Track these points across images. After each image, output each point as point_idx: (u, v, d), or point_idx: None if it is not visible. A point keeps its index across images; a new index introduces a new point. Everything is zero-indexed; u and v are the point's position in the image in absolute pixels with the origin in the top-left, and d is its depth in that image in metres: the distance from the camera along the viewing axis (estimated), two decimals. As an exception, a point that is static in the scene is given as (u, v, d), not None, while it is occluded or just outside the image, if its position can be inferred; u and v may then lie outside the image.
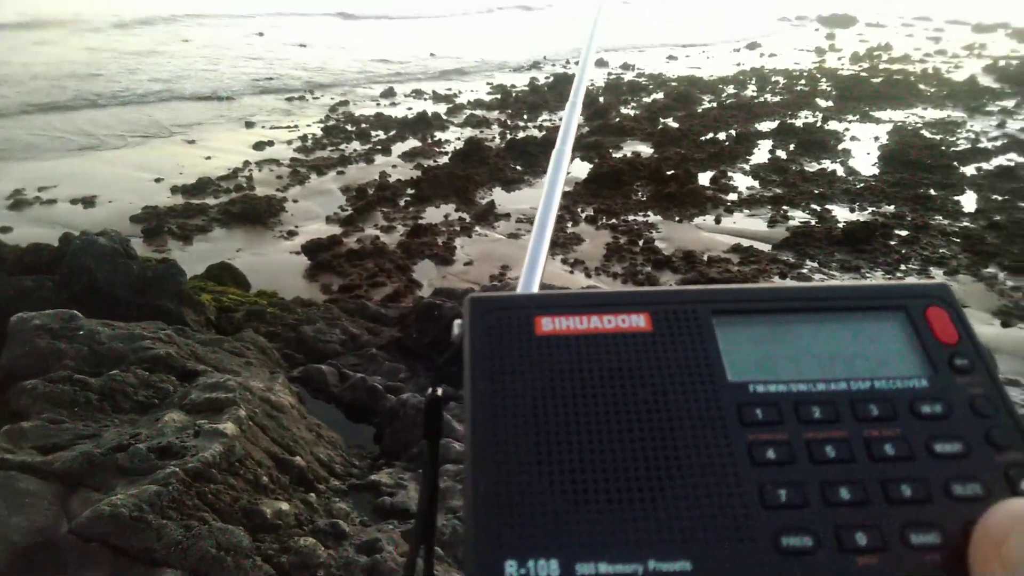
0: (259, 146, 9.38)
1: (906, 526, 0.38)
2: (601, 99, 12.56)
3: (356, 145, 9.54)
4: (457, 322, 0.46)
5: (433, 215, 7.34)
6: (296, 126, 10.52)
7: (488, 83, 14.66)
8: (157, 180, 7.91)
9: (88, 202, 7.27)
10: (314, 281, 5.92)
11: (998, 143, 10.72)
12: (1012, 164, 9.60)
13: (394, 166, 8.76)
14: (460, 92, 13.59)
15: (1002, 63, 18.61)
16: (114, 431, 2.77)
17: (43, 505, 2.19)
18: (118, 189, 7.62)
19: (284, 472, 2.85)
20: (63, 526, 2.12)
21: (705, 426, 0.41)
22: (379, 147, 9.44)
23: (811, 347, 0.44)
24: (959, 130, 11.55)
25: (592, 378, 0.42)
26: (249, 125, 10.63)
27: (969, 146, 10.47)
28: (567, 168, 0.73)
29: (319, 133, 10.04)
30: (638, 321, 0.44)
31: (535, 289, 0.58)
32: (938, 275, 6.46)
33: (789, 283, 0.52)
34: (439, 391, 0.50)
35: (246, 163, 8.54)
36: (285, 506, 2.60)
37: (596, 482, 0.39)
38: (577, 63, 0.89)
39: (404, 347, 4.42)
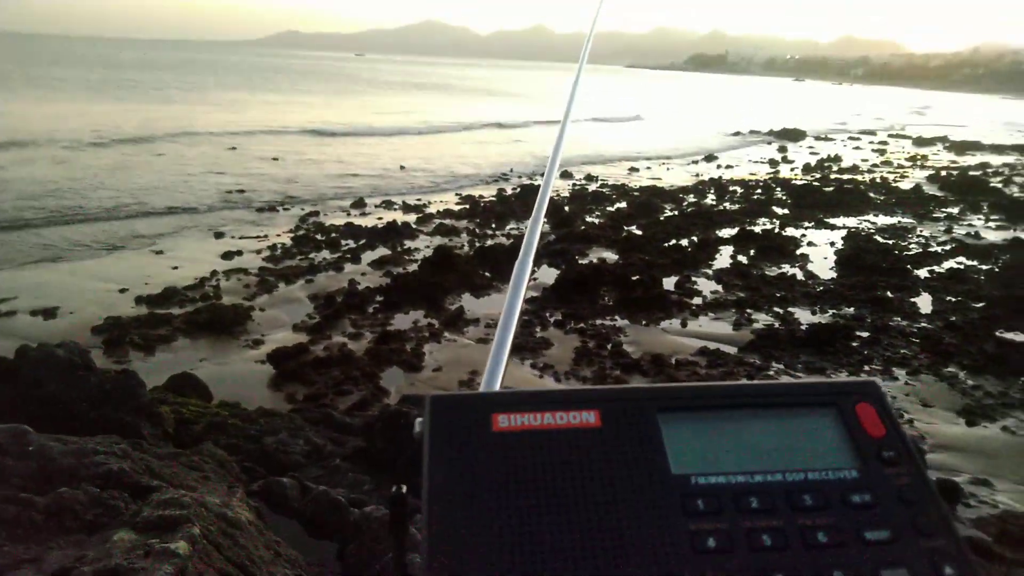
0: (228, 256, 9.42)
1: None
2: (567, 208, 12.99)
3: (326, 254, 9.64)
4: (419, 420, 0.48)
5: (402, 321, 7.34)
6: (266, 236, 10.64)
7: (457, 194, 15.12)
8: (122, 291, 7.84)
9: (49, 313, 7.15)
10: (279, 390, 5.80)
11: (947, 247, 11.25)
12: (962, 267, 10.04)
13: (363, 274, 8.83)
14: (430, 202, 13.97)
15: (943, 173, 19.83)
16: (58, 553, 2.63)
17: None
18: (81, 300, 7.53)
19: (237, 595, 2.70)
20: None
21: (650, 516, 0.42)
22: (348, 255, 9.55)
23: (750, 441, 0.47)
24: (910, 235, 12.12)
25: (545, 470, 0.44)
26: (219, 235, 10.73)
27: (920, 250, 10.97)
28: (528, 276, 0.76)
29: (288, 243, 10.15)
30: (588, 417, 0.47)
31: (497, 388, 0.59)
32: (901, 375, 6.58)
33: (730, 382, 0.55)
34: (403, 488, 0.50)
35: (214, 272, 8.55)
36: (236, 632, 2.44)
37: (545, 561, 0.40)
38: (542, 175, 0.93)
39: (370, 457, 4.30)
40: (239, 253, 9.54)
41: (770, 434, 0.47)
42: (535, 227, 0.85)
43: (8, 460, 3.22)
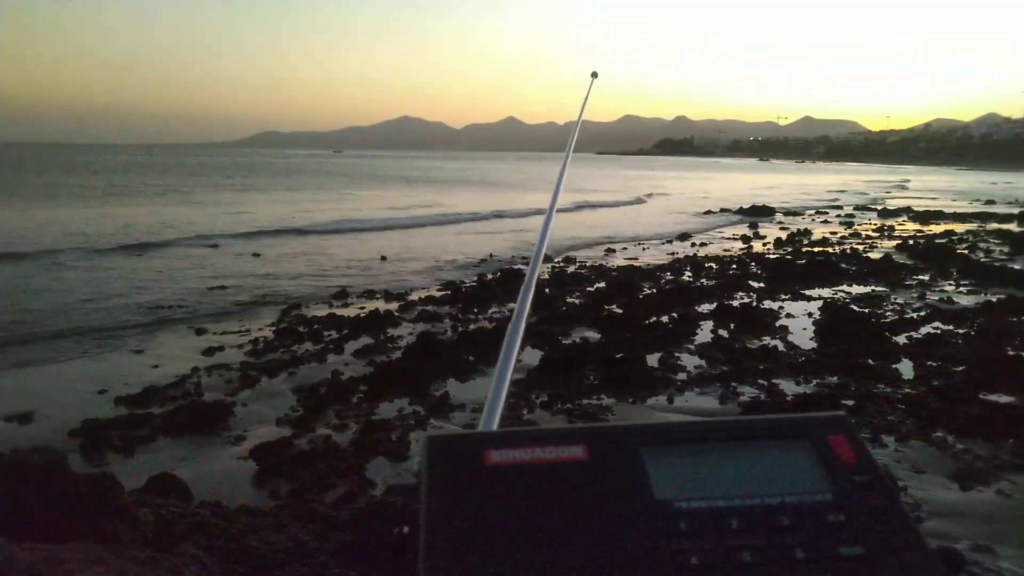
0: (209, 351, 9.33)
1: None
2: (547, 290, 13.12)
3: (308, 345, 9.58)
4: (416, 459, 0.51)
5: (387, 410, 7.24)
6: (248, 330, 10.58)
7: (439, 280, 15.25)
8: (100, 392, 7.70)
9: (24, 419, 6.97)
10: (262, 487, 5.64)
11: (922, 313, 11.46)
12: (939, 331, 10.20)
13: (347, 363, 8.77)
14: (412, 290, 14.05)
15: (911, 242, 20.44)
16: (24, 674, 2.48)
17: None
18: (58, 403, 7.36)
19: None
20: None
21: (635, 538, 0.45)
22: (332, 346, 9.50)
23: (729, 470, 0.50)
24: (884, 303, 12.35)
25: (535, 500, 0.46)
26: (200, 332, 10.65)
27: (896, 317, 11.15)
28: (527, 314, 0.78)
29: (271, 336, 10.10)
30: (576, 451, 0.50)
31: (495, 427, 0.62)
32: (890, 441, 6.56)
33: (709, 419, 0.58)
34: (405, 529, 0.52)
35: (195, 369, 8.44)
36: None
37: None
38: (524, 260, 0.94)
39: (356, 551, 4.15)
40: (221, 348, 9.45)
41: (748, 463, 0.50)
42: (536, 262, 0.89)
43: (-25, 573, 3.08)
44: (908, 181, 78.56)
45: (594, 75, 1.72)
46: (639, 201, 43.06)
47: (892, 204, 38.00)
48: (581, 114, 1.39)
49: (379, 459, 6.11)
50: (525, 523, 0.45)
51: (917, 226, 27.37)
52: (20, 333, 10.33)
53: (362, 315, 11.15)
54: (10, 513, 4.10)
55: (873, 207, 36.66)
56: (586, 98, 1.48)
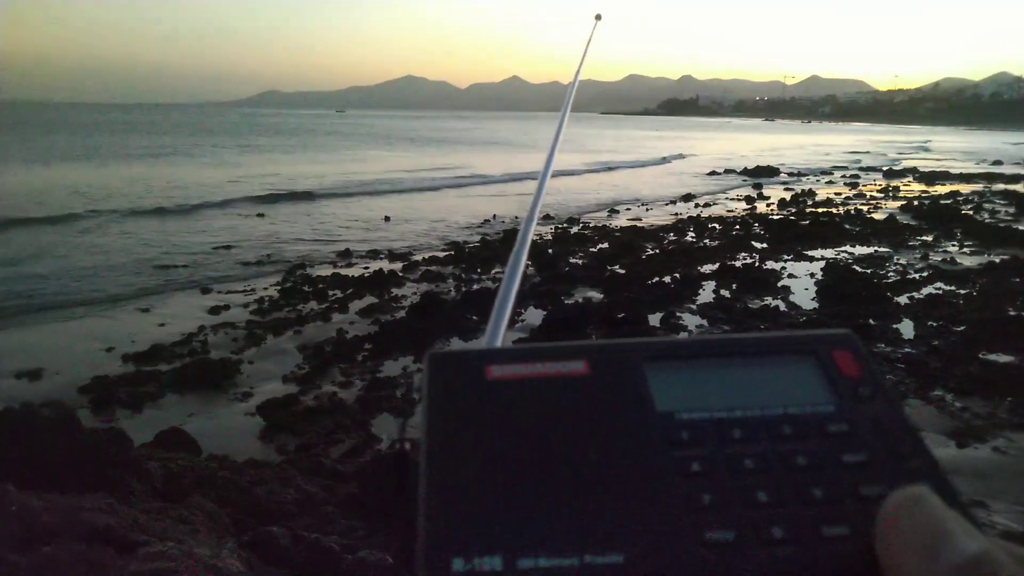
0: (215, 310, 9.39)
1: (818, 521, 0.41)
2: (550, 250, 13.11)
3: (313, 304, 9.64)
4: (418, 376, 0.51)
5: (391, 368, 7.32)
6: (253, 289, 10.63)
7: (442, 240, 15.24)
8: (108, 349, 7.78)
9: (34, 375, 7.06)
10: (269, 442, 5.74)
11: (924, 274, 11.45)
12: (940, 292, 10.21)
13: (351, 322, 8.83)
14: (415, 250, 14.06)
15: (915, 203, 20.29)
16: (42, 614, 2.57)
17: None
18: (67, 360, 7.45)
19: (231, 646, 2.64)
20: None
21: (636, 448, 0.45)
22: (336, 305, 9.55)
23: (731, 383, 0.50)
24: (887, 264, 12.33)
25: (536, 414, 0.47)
26: (205, 291, 10.71)
27: (899, 277, 11.15)
28: (533, 231, 0.76)
29: (276, 295, 10.15)
30: (577, 366, 0.50)
31: (499, 344, 0.61)
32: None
33: (713, 336, 0.59)
34: (407, 444, 0.52)
35: (201, 328, 8.51)
36: None
37: (539, 490, 0.42)
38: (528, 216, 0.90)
39: (362, 503, 4.25)
40: (226, 307, 9.52)
41: (751, 377, 0.50)
42: (545, 175, 0.87)
43: (-13, 522, 3.15)
44: (929, 142, 75.77)
45: (597, 17, 1.64)
46: (646, 164, 42.68)
47: (897, 165, 37.61)
48: (583, 60, 1.33)
49: (384, 415, 6.21)
50: (526, 435, 0.45)
51: (923, 187, 27.14)
52: (29, 295, 10.39)
53: (366, 275, 11.19)
54: (23, 465, 4.19)
55: (878, 168, 36.30)
56: (588, 42, 1.42)
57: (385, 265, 12.25)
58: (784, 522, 0.41)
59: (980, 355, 7.62)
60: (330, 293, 10.20)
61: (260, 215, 19.18)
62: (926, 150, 59.81)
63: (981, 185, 27.20)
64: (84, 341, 8.21)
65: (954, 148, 63.18)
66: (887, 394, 0.49)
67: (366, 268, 12.01)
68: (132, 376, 6.95)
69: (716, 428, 0.46)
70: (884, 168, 35.54)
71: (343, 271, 11.95)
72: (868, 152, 53.88)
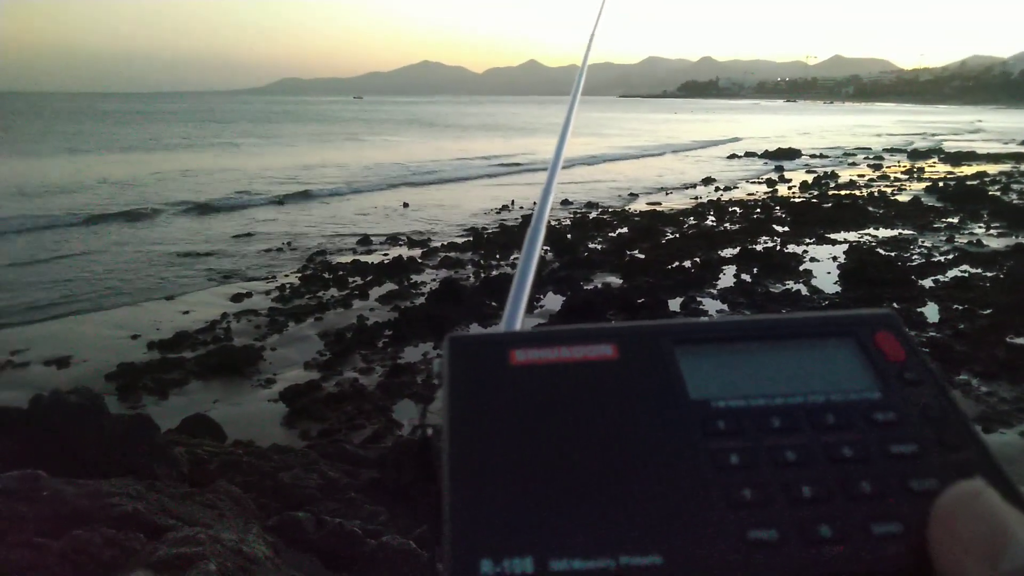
0: (237, 298, 9.50)
1: (868, 519, 0.39)
2: (569, 236, 13.06)
3: (334, 291, 9.71)
4: (437, 360, 0.48)
5: (412, 354, 7.37)
6: (274, 277, 10.73)
7: (461, 227, 15.24)
8: (133, 337, 7.90)
9: (62, 362, 7.20)
10: (292, 428, 5.81)
11: (950, 256, 11.26)
12: (966, 275, 10.03)
13: (372, 309, 8.88)
14: (434, 237, 14.08)
15: (941, 184, 19.91)
16: (75, 596, 2.63)
17: None
18: (93, 348, 7.59)
19: (257, 628, 2.69)
20: None
21: (670, 438, 0.42)
22: (356, 292, 9.61)
23: (769, 369, 0.47)
24: (912, 246, 12.14)
25: (562, 401, 0.44)
26: (227, 278, 10.82)
27: (923, 260, 10.97)
28: (550, 207, 0.73)
29: (297, 282, 10.24)
30: (605, 350, 0.47)
31: (517, 327, 0.59)
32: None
33: (747, 316, 0.55)
34: (429, 431, 0.51)
35: (224, 315, 8.61)
36: (258, 665, 2.43)
37: (568, 485, 0.40)
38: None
39: (384, 488, 4.29)
40: (248, 295, 9.62)
41: (789, 362, 0.47)
42: (561, 146, 0.83)
43: (21, 505, 3.22)
44: (980, 121, 70.87)
45: None
46: (659, 147, 42.27)
47: (922, 146, 36.86)
48: (591, 40, 1.26)
49: (405, 401, 6.25)
50: (554, 426, 0.43)
51: (948, 167, 26.62)
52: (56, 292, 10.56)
53: (386, 261, 11.24)
54: (53, 450, 4.28)
55: (903, 148, 35.63)
56: (597, 20, 1.34)
57: (404, 251, 12.29)
58: (831, 519, 0.39)
59: (1007, 339, 7.49)
60: (350, 280, 10.27)
61: (279, 200, 19.30)
62: (977, 132, 55.11)
63: (1009, 165, 26.61)
64: (110, 329, 8.35)
65: (1009, 129, 59.22)
66: (935, 379, 0.46)
67: (385, 255, 12.06)
68: (157, 363, 7.06)
69: (754, 417, 0.44)
70: (909, 149, 34.90)
71: (363, 258, 12.02)
72: (921, 134, 50.17)
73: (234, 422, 5.59)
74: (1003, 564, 0.32)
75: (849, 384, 0.45)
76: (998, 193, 18.32)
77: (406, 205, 18.77)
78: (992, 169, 25.15)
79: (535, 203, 0.80)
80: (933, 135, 49.64)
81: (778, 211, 15.96)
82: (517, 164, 30.73)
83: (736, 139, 45.17)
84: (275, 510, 4.01)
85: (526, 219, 15.81)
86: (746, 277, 10.00)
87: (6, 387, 6.48)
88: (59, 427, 4.39)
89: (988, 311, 8.37)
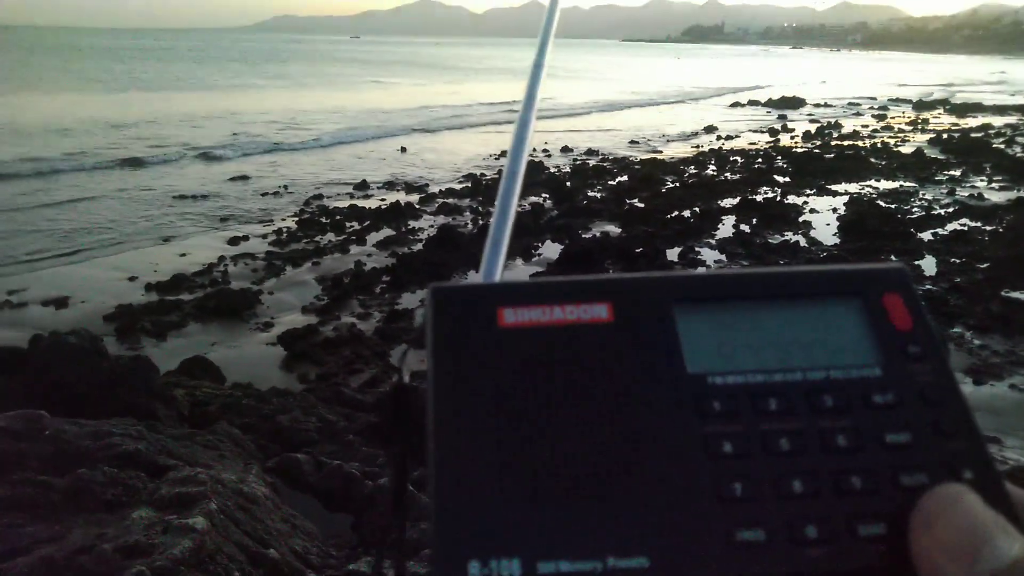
0: (234, 241, 9.45)
1: (854, 518, 0.39)
2: (568, 183, 12.95)
3: (331, 236, 9.66)
4: (420, 311, 0.47)
5: (409, 300, 7.38)
6: (271, 220, 10.67)
7: (459, 173, 15.09)
8: (131, 279, 7.89)
9: (61, 303, 7.21)
10: (291, 371, 5.86)
11: (950, 209, 11.20)
12: (966, 228, 10.01)
13: (369, 254, 8.86)
14: (432, 182, 13.94)
15: (945, 136, 19.68)
16: (79, 532, 2.68)
17: None
18: (91, 289, 7.58)
19: (257, 566, 2.75)
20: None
21: (663, 419, 0.41)
22: (354, 237, 9.57)
23: (771, 335, 0.45)
24: (912, 199, 12.07)
25: (554, 372, 0.42)
26: (223, 221, 10.75)
27: (923, 213, 10.92)
28: (530, 142, 0.67)
29: (294, 226, 10.17)
30: (600, 312, 0.45)
31: (497, 278, 0.56)
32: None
33: (752, 268, 0.54)
34: (406, 378, 0.49)
35: (221, 258, 8.58)
36: (259, 600, 2.50)
37: (557, 481, 0.39)
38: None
39: (381, 432, 4.36)
40: (245, 238, 9.57)
41: (792, 326, 0.46)
42: (537, 72, 0.73)
43: (23, 444, 3.26)
44: (1004, 73, 66.73)
45: None
46: (660, 93, 41.54)
47: (928, 97, 36.26)
48: None
49: (403, 346, 6.28)
50: (543, 401, 0.41)
51: (953, 119, 26.26)
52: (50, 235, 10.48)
53: (383, 207, 11.15)
54: (53, 391, 4.31)
55: (906, 99, 35.07)
56: None
57: (402, 197, 12.18)
58: (818, 519, 0.39)
59: (1003, 293, 7.52)
60: (347, 225, 10.21)
61: (277, 144, 19.02)
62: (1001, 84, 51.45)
63: (1015, 117, 26.25)
64: (107, 271, 8.33)
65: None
66: (939, 354, 0.44)
67: (383, 200, 11.96)
68: (155, 305, 7.07)
69: (751, 397, 0.43)
70: (913, 100, 34.36)
71: (360, 202, 11.92)
72: (938, 86, 47.33)
73: (233, 365, 5.62)
74: (978, 567, 0.33)
75: (851, 358, 0.44)
76: (1002, 146, 18.13)
77: (403, 150, 18.53)
78: (998, 121, 24.81)
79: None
80: (949, 85, 48.10)
81: (780, 161, 15.81)
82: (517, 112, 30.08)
83: (739, 89, 44.39)
84: (274, 452, 4.08)
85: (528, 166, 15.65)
86: (745, 228, 9.96)
87: (5, 327, 6.50)
88: (59, 368, 4.41)
89: (985, 265, 8.38)
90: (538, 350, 0.43)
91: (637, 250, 8.46)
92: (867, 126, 23.72)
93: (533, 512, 0.38)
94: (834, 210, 11.07)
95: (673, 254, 8.67)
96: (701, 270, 0.50)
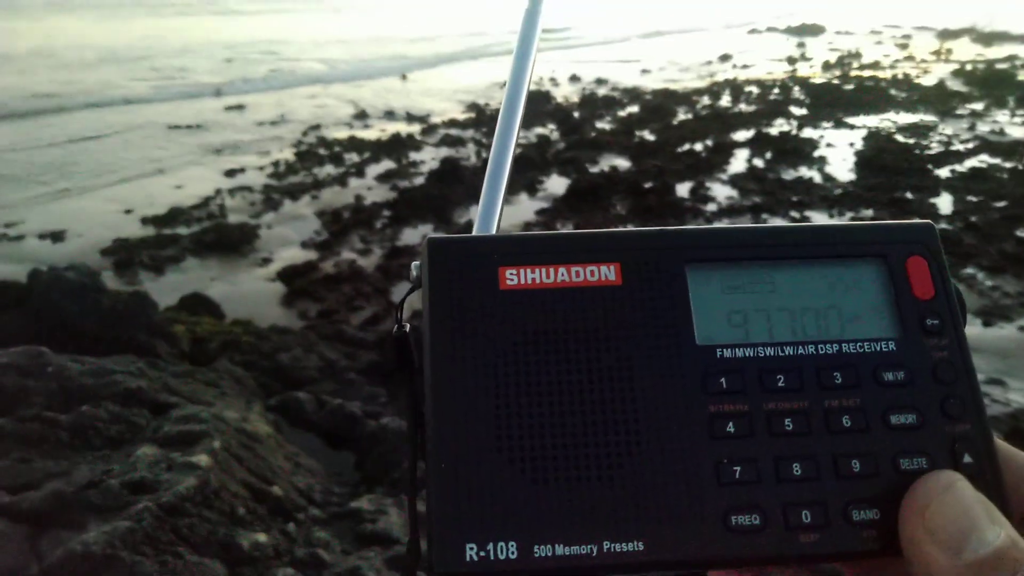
0: (230, 173, 9.27)
1: (850, 503, 0.39)
2: (576, 114, 12.61)
3: (330, 169, 9.47)
4: (415, 264, 0.45)
5: (411, 236, 7.27)
6: (268, 152, 10.44)
7: (462, 102, 14.69)
8: (127, 212, 7.77)
9: (57, 237, 7.12)
10: (291, 308, 5.82)
11: (970, 145, 10.88)
12: (985, 165, 9.73)
13: (369, 188, 8.69)
14: (434, 112, 13.59)
15: (969, 67, 19.00)
16: (86, 468, 2.72)
17: (12, 546, 2.14)
18: (87, 222, 7.48)
19: (261, 503, 2.79)
20: (33, 567, 2.07)
21: (668, 394, 0.40)
22: (353, 170, 9.38)
23: (785, 299, 0.44)
24: (931, 134, 11.71)
25: (557, 340, 0.41)
26: (219, 152, 10.54)
27: (942, 149, 10.61)
28: (527, 88, 0.64)
29: (291, 158, 9.97)
30: (608, 273, 0.43)
31: (493, 230, 0.55)
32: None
33: (769, 226, 0.49)
34: (407, 327, 0.47)
35: (217, 191, 8.43)
36: (263, 537, 2.55)
37: (555, 461, 0.39)
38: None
39: (384, 370, 4.34)
40: (242, 171, 9.38)
41: (808, 289, 0.44)
42: (532, 24, 0.70)
43: (29, 381, 3.27)
44: None
45: None
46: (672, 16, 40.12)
47: (954, 24, 34.92)
48: None
49: (404, 283, 6.22)
50: (544, 369, 0.40)
51: (979, 48, 25.33)
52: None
53: (383, 138, 10.89)
54: (55, 327, 4.29)
55: (931, 27, 33.78)
56: None
57: (403, 128, 11.89)
58: (813, 503, 0.39)
59: (1018, 232, 7.36)
60: (346, 157, 9.99)
61: (273, 71, 18.53)
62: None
63: (1042, 47, 25.29)
64: (102, 203, 8.21)
65: None
66: (957, 328, 0.44)
67: (383, 131, 11.67)
68: (152, 239, 6.98)
69: (759, 372, 0.41)
70: (938, 28, 33.09)
71: (359, 133, 11.62)
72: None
73: (232, 301, 5.58)
74: (966, 554, 0.34)
75: (866, 329, 0.43)
76: (1027, 78, 17.51)
77: (404, 77, 18.04)
78: (1024, 51, 23.92)
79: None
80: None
81: (797, 91, 15.33)
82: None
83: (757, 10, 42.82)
84: (275, 390, 4.08)
85: (529, 94, 15.28)
86: (759, 162, 9.72)
87: (3, 260, 6.44)
88: (58, 303, 4.38)
89: (1002, 204, 8.19)
90: (542, 317, 0.41)
91: (646, 185, 8.27)
92: (888, 55, 22.91)
93: (530, 495, 0.38)
94: (851, 144, 10.76)
95: (684, 189, 8.48)
96: (715, 225, 0.43)
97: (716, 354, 0.42)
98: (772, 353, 0.42)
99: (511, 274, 0.43)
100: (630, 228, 0.47)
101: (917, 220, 0.46)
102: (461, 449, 0.39)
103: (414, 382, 0.45)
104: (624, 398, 0.40)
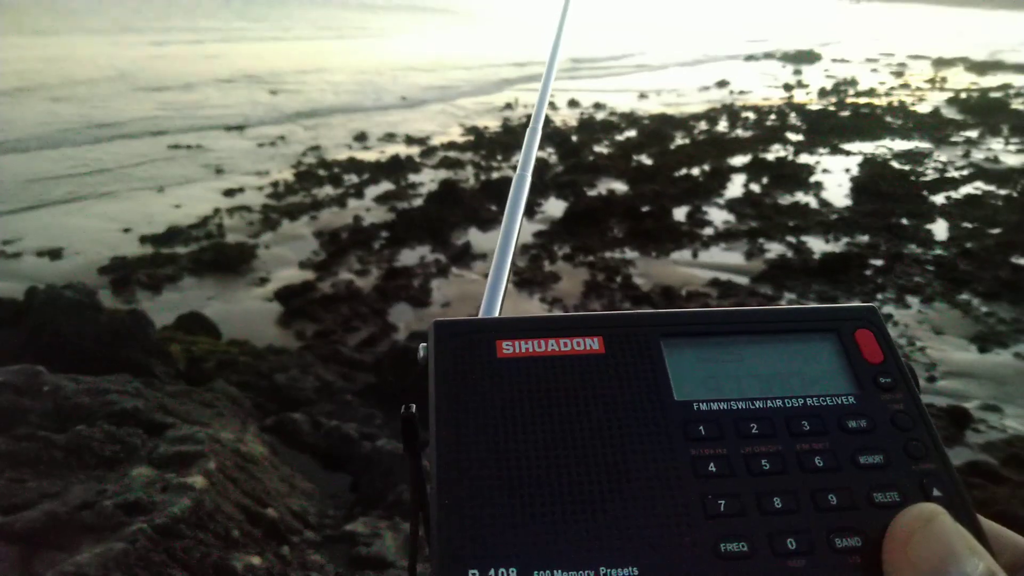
0: (230, 193, 9.30)
1: (831, 531, 0.41)
2: (574, 138, 12.70)
3: (329, 189, 9.51)
4: (423, 345, 0.48)
5: (408, 257, 7.29)
6: (267, 171, 10.48)
7: (461, 125, 14.80)
8: (125, 230, 7.78)
9: (55, 254, 7.12)
10: (288, 328, 5.81)
11: (965, 172, 10.98)
12: (979, 192, 9.82)
13: (368, 209, 8.72)
14: (433, 135, 13.68)
15: (963, 95, 19.21)
16: (80, 488, 2.69)
17: (4, 567, 2.12)
18: (85, 240, 7.49)
19: (256, 525, 2.76)
20: (26, 589, 2.04)
21: (653, 442, 0.44)
22: (352, 191, 9.41)
23: (751, 367, 0.49)
24: (927, 160, 11.82)
25: (549, 397, 0.45)
26: (219, 171, 10.57)
27: (937, 176, 10.71)
28: (527, 191, 0.70)
29: (291, 178, 10.01)
30: (592, 344, 0.48)
31: (496, 313, 0.59)
32: (914, 302, 6.52)
33: (733, 307, 0.53)
34: (412, 408, 0.50)
35: (216, 210, 8.45)
36: (257, 560, 2.52)
37: (552, 494, 0.41)
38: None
39: (380, 392, 4.32)
40: (241, 190, 9.42)
41: (772, 359, 0.49)
42: (534, 136, 0.76)
43: (24, 400, 3.25)
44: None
45: None
46: (671, 44, 40.55)
47: (947, 53, 35.34)
48: None
49: (401, 304, 6.22)
50: (539, 427, 0.43)
51: (974, 77, 25.64)
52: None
53: (382, 159, 10.95)
54: (51, 345, 4.28)
55: (925, 55, 34.20)
56: None
57: (402, 149, 11.96)
58: (797, 532, 0.41)
59: (1012, 259, 7.41)
60: (345, 178, 10.04)
61: (273, 92, 18.67)
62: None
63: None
64: (101, 221, 8.22)
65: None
66: (908, 384, 0.48)
67: (382, 152, 11.74)
68: (151, 258, 6.98)
69: (734, 422, 0.45)
70: (933, 56, 33.50)
71: (359, 154, 11.69)
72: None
73: (229, 320, 5.57)
74: None
75: (826, 387, 0.48)
76: (1021, 107, 17.70)
77: (404, 99, 18.17)
78: (1018, 80, 24.21)
79: (510, 190, 0.72)
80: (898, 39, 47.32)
81: (793, 118, 15.48)
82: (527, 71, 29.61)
83: (753, 41, 43.34)
84: (272, 411, 4.05)
85: (529, 118, 15.41)
86: (755, 187, 9.78)
87: (0, 278, 6.44)
88: (55, 321, 4.38)
89: (997, 230, 8.24)
90: (534, 378, 0.45)
91: (644, 209, 8.32)
92: (884, 83, 23.16)
93: (530, 525, 0.40)
94: (847, 170, 10.86)
95: (681, 213, 8.53)
96: (685, 309, 0.52)
97: (694, 407, 0.45)
98: (744, 407, 0.46)
99: (507, 345, 0.47)
100: (611, 312, 0.52)
101: (859, 303, 0.52)
102: (464, 485, 0.41)
103: (417, 466, 0.49)
104: (613, 444, 0.43)
